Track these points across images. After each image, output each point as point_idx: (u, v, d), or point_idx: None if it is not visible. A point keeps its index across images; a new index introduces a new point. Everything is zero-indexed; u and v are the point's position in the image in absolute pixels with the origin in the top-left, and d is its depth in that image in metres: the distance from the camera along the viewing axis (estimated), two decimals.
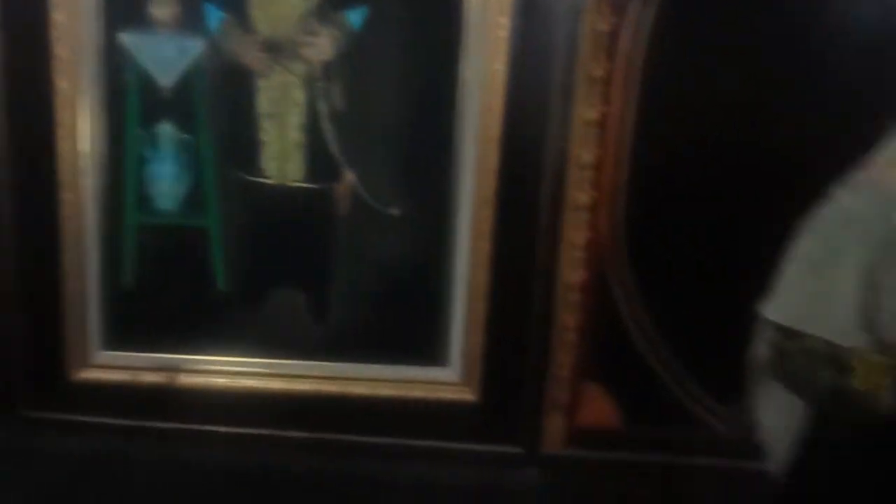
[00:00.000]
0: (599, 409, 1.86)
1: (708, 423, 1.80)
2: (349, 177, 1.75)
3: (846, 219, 0.94)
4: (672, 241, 1.74)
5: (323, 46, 1.69)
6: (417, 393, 1.84)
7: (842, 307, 0.94)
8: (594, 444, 1.86)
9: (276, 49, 1.70)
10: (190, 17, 1.68)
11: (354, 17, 1.66)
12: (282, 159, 1.75)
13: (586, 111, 1.67)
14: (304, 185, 1.77)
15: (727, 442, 1.77)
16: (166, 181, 1.77)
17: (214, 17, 1.68)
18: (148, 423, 1.85)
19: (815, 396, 0.98)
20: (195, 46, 1.69)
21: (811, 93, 1.64)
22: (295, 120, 1.73)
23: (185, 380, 1.84)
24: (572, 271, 1.77)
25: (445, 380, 1.82)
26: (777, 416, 1.09)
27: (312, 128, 1.74)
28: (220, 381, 1.84)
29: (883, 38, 1.59)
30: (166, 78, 1.71)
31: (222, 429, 1.85)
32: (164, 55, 1.69)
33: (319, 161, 1.75)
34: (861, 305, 0.93)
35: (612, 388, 1.84)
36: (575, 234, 1.75)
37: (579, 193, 1.72)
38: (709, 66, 1.64)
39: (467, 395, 1.82)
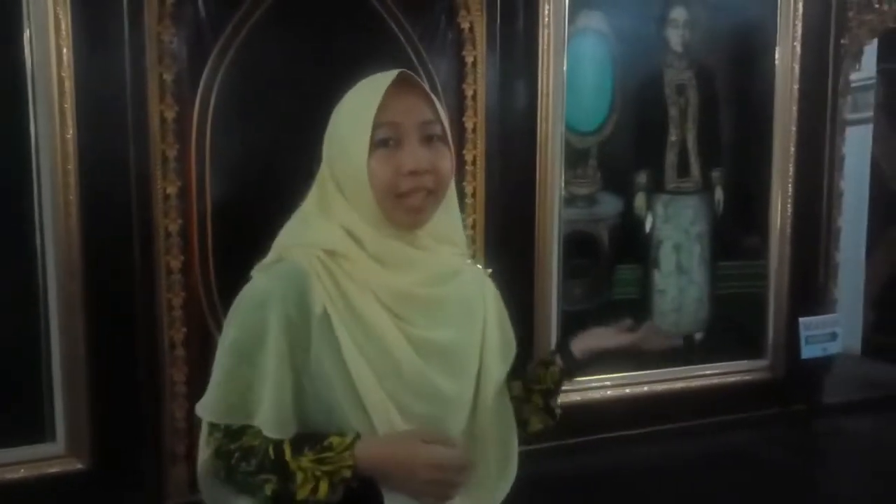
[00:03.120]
0: None
1: None
2: None
3: (261, 301, 0.88)
4: None
5: None
6: (25, 472, 1.81)
7: (271, 394, 0.86)
8: None
9: None
10: None
11: None
12: None
13: (167, 186, 1.89)
14: None
15: None
16: None
17: None
18: None
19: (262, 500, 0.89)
20: None
21: None
22: None
23: None
24: (174, 330, 1.95)
25: (52, 454, 1.83)
26: None
27: None
28: None
29: None
30: None
31: None
32: None
33: None
34: (291, 391, 0.87)
35: None
36: (172, 296, 1.93)
37: (170, 259, 1.92)
38: (259, 138, 1.98)
39: (76, 465, 1.85)
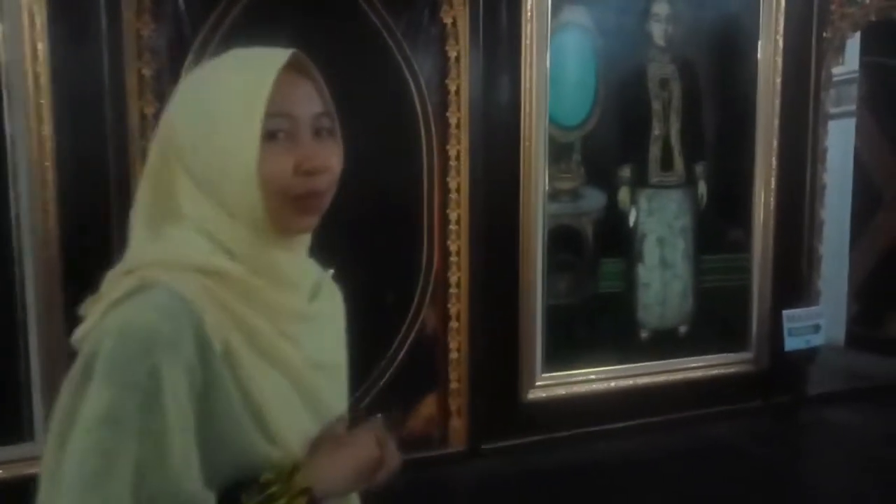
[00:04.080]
0: None
1: None
2: None
3: (146, 347, 0.67)
4: None
5: None
6: (3, 473, 1.79)
7: (178, 468, 0.67)
8: None
9: None
10: None
11: None
12: None
13: None
14: None
15: None
16: None
17: None
18: None
19: None
20: None
21: None
22: None
23: None
24: None
25: (30, 454, 1.80)
26: None
27: None
28: None
29: None
30: None
31: None
32: None
33: None
34: (197, 453, 0.69)
35: None
36: None
37: None
38: None
39: None
